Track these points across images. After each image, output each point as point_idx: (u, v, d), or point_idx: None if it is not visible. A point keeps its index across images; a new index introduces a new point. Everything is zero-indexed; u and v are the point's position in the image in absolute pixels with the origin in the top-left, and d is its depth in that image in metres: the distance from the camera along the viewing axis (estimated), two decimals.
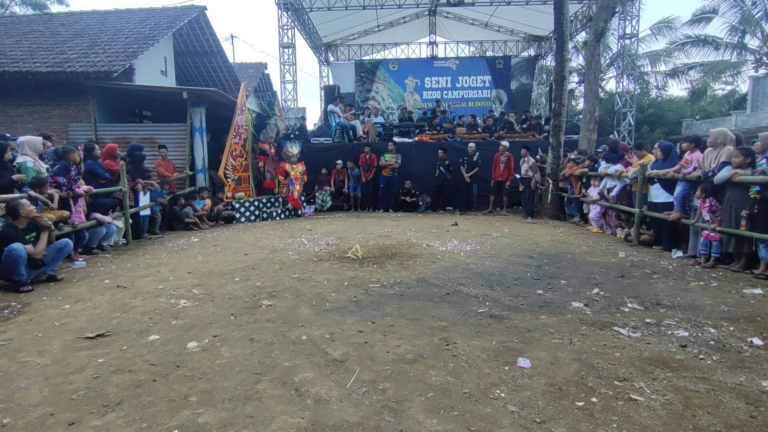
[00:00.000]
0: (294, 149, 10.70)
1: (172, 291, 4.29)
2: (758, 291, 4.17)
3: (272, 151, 10.80)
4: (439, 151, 10.77)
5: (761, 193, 4.69)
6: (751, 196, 4.76)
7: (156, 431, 2.07)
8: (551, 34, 16.53)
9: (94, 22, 12.06)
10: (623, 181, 7.11)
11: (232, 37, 32.50)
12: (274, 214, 9.94)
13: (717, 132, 5.53)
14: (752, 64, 19.60)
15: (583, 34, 16.48)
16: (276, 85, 18.26)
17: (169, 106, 11.21)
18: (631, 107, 14.98)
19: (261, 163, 10.85)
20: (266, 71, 20.16)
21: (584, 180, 8.55)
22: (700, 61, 20.39)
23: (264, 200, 9.96)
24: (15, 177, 5.27)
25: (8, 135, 6.74)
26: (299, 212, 10.29)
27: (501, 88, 17.90)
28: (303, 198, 10.65)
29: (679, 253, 5.77)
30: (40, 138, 6.02)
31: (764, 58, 19.08)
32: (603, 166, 7.72)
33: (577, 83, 22.78)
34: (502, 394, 2.36)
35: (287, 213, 10.14)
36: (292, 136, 11.16)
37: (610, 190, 7.40)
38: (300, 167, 10.56)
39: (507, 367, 2.66)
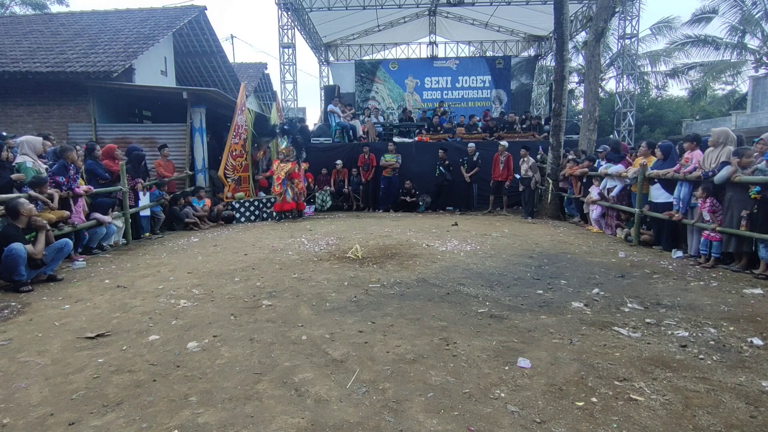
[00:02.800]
0: (281, 145, 9.61)
1: (172, 291, 4.29)
2: (758, 291, 4.17)
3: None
4: (440, 151, 10.77)
5: (761, 194, 4.68)
6: (751, 197, 4.76)
7: (156, 431, 2.07)
8: (551, 34, 16.52)
9: (94, 22, 12.06)
10: (624, 182, 7.11)
11: (232, 37, 32.54)
12: (275, 214, 9.91)
13: (719, 131, 5.52)
14: (752, 64, 19.59)
15: (583, 34, 16.49)
16: (276, 85, 18.29)
17: (169, 106, 11.20)
18: (631, 107, 14.98)
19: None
20: (266, 71, 20.18)
21: (584, 180, 8.55)
22: (700, 61, 20.38)
23: (264, 200, 9.95)
24: (14, 177, 5.27)
25: (4, 134, 6.72)
26: (302, 213, 10.03)
27: (501, 88, 17.89)
28: (292, 199, 9.49)
29: (679, 253, 5.77)
30: (40, 138, 6.02)
31: (764, 58, 19.08)
32: (603, 166, 7.72)
33: (577, 83, 22.77)
34: (502, 394, 2.36)
35: (287, 213, 10.03)
36: (286, 126, 9.95)
37: (610, 190, 7.39)
38: (288, 167, 9.30)
39: (507, 367, 2.66)
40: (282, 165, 9.40)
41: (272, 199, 9.90)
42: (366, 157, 11.03)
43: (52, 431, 2.09)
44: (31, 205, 4.73)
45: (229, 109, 10.44)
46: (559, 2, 9.54)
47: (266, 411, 2.21)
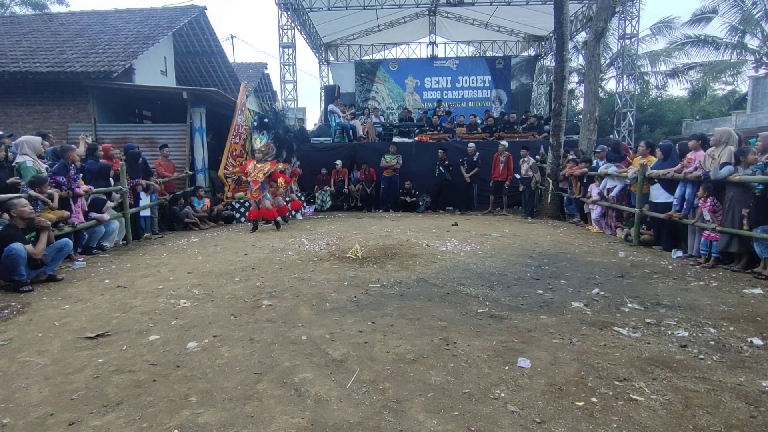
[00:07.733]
0: (258, 142, 8.52)
1: (172, 291, 4.28)
2: (758, 291, 4.17)
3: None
4: (439, 151, 10.77)
5: (763, 192, 4.65)
6: (756, 194, 4.72)
7: (156, 431, 2.07)
8: (551, 34, 16.51)
9: (94, 22, 12.07)
10: (624, 182, 7.11)
11: (232, 37, 32.50)
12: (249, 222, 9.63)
13: (721, 131, 5.50)
14: (752, 64, 19.58)
15: (583, 34, 16.48)
16: (276, 85, 18.29)
17: (169, 106, 11.21)
18: (631, 107, 14.97)
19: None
20: (266, 71, 20.18)
21: (584, 180, 8.55)
22: (700, 61, 20.37)
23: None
24: (9, 181, 5.18)
25: (2, 132, 6.71)
26: (295, 213, 9.89)
27: (501, 88, 17.87)
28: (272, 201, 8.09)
29: (679, 253, 5.77)
30: (40, 138, 6.01)
31: (764, 58, 19.07)
32: (603, 166, 7.72)
33: (577, 83, 22.76)
34: (502, 394, 2.36)
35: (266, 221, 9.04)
36: (266, 120, 8.79)
37: (610, 190, 7.39)
38: (267, 167, 8.06)
39: (507, 367, 2.66)
40: (259, 166, 8.08)
41: (247, 204, 8.90)
42: (366, 173, 11.13)
43: (52, 431, 2.09)
44: (25, 207, 4.64)
45: (229, 109, 10.44)
46: (559, 2, 9.54)
47: (266, 411, 2.21)
